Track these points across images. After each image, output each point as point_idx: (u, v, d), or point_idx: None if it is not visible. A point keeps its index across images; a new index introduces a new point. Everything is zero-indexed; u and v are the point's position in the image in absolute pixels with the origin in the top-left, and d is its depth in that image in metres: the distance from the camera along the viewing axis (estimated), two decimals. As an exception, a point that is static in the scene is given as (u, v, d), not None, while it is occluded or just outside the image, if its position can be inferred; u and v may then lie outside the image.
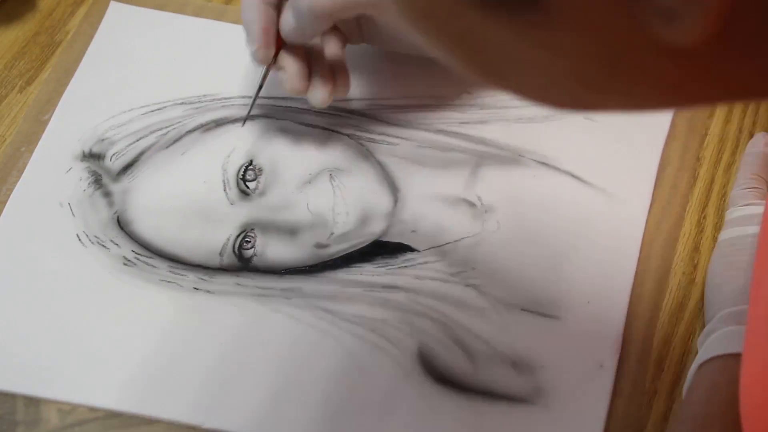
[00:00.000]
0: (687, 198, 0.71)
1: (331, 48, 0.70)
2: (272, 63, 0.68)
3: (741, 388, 0.47)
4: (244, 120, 0.71)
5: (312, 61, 0.68)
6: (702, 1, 0.26)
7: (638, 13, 0.27)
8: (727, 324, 0.60)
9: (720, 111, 0.75)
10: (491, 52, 0.31)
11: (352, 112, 0.75)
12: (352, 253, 0.69)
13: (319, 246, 0.69)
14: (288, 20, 0.65)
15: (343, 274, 0.68)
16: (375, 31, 0.72)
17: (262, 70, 0.70)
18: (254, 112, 0.75)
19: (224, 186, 0.72)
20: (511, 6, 0.28)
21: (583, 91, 0.32)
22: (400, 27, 0.34)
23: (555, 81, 0.32)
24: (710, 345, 0.59)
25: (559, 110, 0.34)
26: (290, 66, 0.67)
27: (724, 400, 0.56)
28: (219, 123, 0.75)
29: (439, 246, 0.69)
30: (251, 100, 0.71)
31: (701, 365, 0.59)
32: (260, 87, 0.70)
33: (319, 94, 0.68)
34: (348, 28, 0.71)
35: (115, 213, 0.71)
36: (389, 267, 0.68)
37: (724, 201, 0.70)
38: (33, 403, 0.64)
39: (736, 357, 0.57)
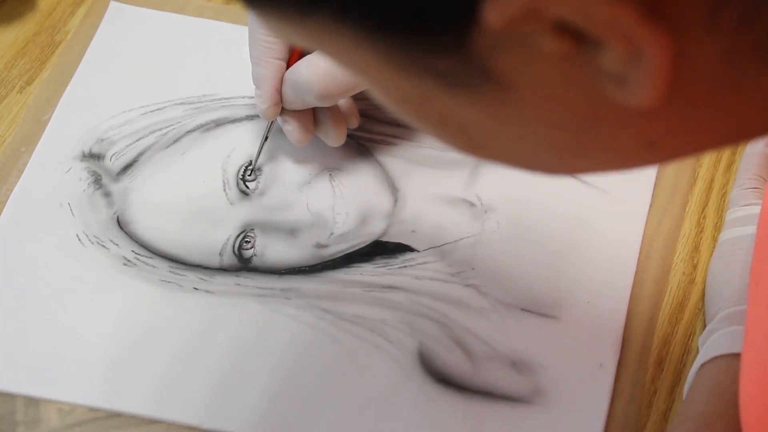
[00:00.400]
0: (687, 198, 0.71)
1: None
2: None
3: (741, 387, 0.48)
4: (254, 165, 0.72)
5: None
6: (645, 62, 0.26)
7: (593, 80, 0.28)
8: (728, 324, 0.60)
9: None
10: (471, 130, 0.32)
11: (352, 112, 0.75)
12: (352, 253, 0.69)
13: (319, 246, 0.69)
14: (289, 96, 0.67)
15: (342, 274, 0.68)
16: None
17: (266, 123, 0.71)
18: (254, 111, 0.75)
19: (224, 186, 0.72)
20: (472, 86, 0.29)
21: (562, 157, 0.33)
22: None
23: (536, 150, 0.33)
24: (711, 345, 0.59)
25: (552, 176, 0.35)
26: (293, 121, 0.69)
27: (726, 399, 0.56)
28: (219, 123, 0.75)
29: (439, 246, 0.69)
30: (258, 147, 0.72)
31: (702, 365, 0.59)
32: (265, 138, 0.71)
33: (332, 136, 0.70)
34: None
35: (114, 213, 0.71)
36: (389, 267, 0.68)
37: (724, 201, 0.70)
38: (33, 403, 0.64)
39: (737, 357, 0.57)
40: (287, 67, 0.68)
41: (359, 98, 0.75)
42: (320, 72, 0.65)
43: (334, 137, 0.70)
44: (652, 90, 0.27)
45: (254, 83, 0.68)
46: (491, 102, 0.30)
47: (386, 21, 0.28)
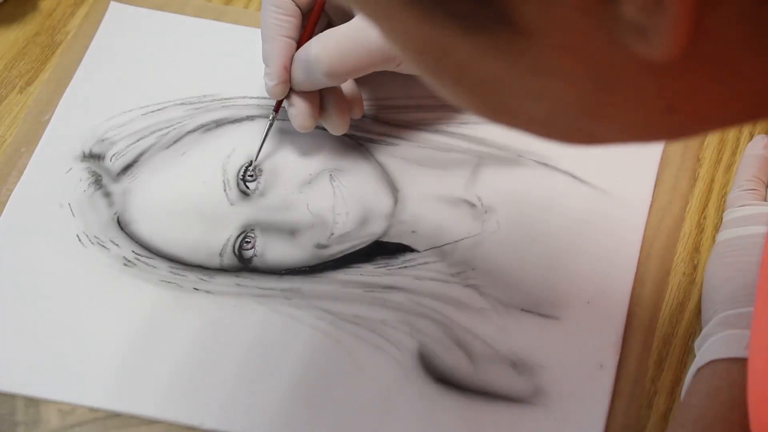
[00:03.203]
0: (687, 198, 0.71)
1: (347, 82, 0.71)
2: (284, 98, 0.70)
3: (749, 388, 0.47)
4: (253, 164, 0.72)
5: (323, 91, 0.69)
6: (667, 11, 0.26)
7: (613, 31, 0.27)
8: (724, 327, 0.60)
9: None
10: (489, 85, 0.32)
11: (352, 113, 0.75)
12: (352, 253, 0.69)
13: (319, 246, 0.69)
14: (299, 74, 0.67)
15: (343, 275, 0.68)
16: None
17: (269, 117, 0.71)
18: (254, 112, 0.75)
19: (224, 186, 0.72)
20: (492, 31, 0.29)
21: (579, 119, 0.32)
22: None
23: (553, 110, 0.32)
24: (708, 349, 0.59)
25: (569, 144, 0.34)
26: (299, 105, 0.69)
27: (724, 404, 0.56)
28: (219, 123, 0.75)
29: (439, 246, 0.69)
30: (258, 146, 0.72)
31: (699, 369, 0.59)
32: (266, 133, 0.72)
33: (336, 124, 0.70)
34: None
35: (115, 213, 0.71)
36: (389, 267, 0.68)
37: (724, 201, 0.70)
38: (33, 403, 0.64)
39: (734, 361, 0.57)
40: (297, 48, 0.68)
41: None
42: (330, 49, 0.65)
43: (337, 125, 0.70)
44: (673, 40, 0.27)
45: (264, 61, 0.68)
46: (510, 50, 0.29)
47: None
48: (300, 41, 0.68)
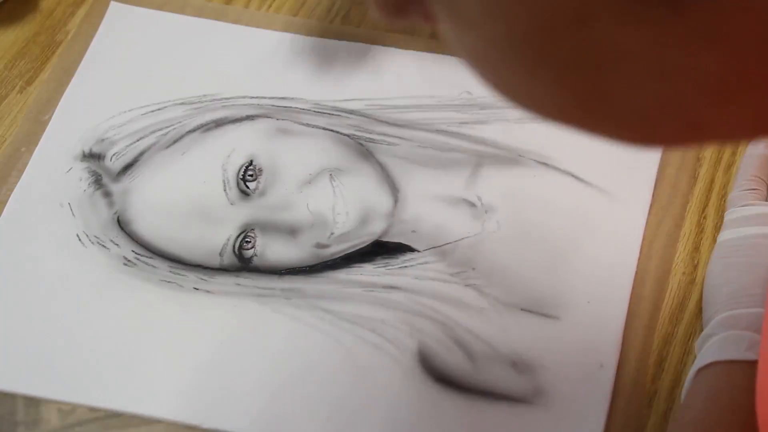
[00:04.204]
0: (687, 198, 0.71)
1: None
2: None
3: (758, 391, 0.47)
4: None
5: None
6: None
7: None
8: (725, 328, 0.60)
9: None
10: (609, 68, 0.27)
11: (352, 112, 0.75)
12: (352, 253, 0.69)
13: (319, 246, 0.69)
14: None
15: (343, 275, 0.68)
16: None
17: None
18: (254, 111, 0.75)
19: (224, 186, 0.72)
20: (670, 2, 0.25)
21: (706, 103, 0.28)
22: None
23: (679, 94, 0.28)
24: (708, 350, 0.59)
25: (662, 144, 0.31)
26: None
27: (725, 405, 0.56)
28: (219, 123, 0.75)
29: (439, 246, 0.69)
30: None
31: (699, 370, 0.59)
32: None
33: None
34: None
35: (115, 213, 0.71)
36: (389, 267, 0.68)
37: (725, 201, 0.70)
38: (33, 403, 0.64)
39: (734, 363, 0.57)
40: None
41: (359, 98, 0.75)
42: None
43: None
44: None
45: None
46: (668, 16, 0.25)
47: None
48: None
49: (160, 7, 0.81)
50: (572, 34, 0.27)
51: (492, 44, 0.28)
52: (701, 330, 0.63)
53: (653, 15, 0.25)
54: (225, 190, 0.71)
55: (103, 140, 0.74)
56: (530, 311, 0.66)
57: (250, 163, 0.72)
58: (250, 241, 0.69)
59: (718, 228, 0.69)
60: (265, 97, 0.75)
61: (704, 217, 0.70)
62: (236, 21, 0.80)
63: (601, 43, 0.27)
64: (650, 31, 0.26)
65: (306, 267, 0.68)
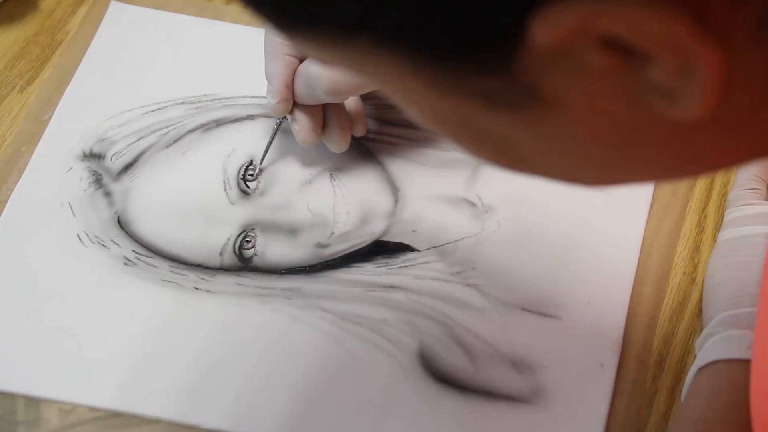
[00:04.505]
0: (687, 198, 0.71)
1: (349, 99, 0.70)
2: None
3: (752, 390, 0.47)
4: (258, 165, 0.72)
5: (327, 107, 0.69)
6: (696, 75, 0.26)
7: (639, 94, 0.28)
8: (725, 327, 0.60)
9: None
10: (511, 147, 0.32)
11: (352, 112, 0.75)
12: (352, 252, 0.69)
13: (320, 246, 0.69)
14: (301, 89, 0.67)
15: (343, 274, 0.68)
16: None
17: (274, 122, 0.71)
18: (254, 111, 0.75)
19: (224, 186, 0.72)
20: (517, 105, 0.29)
21: (604, 171, 0.33)
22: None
23: (576, 166, 0.33)
24: (709, 349, 0.59)
25: (591, 188, 0.35)
26: (302, 120, 0.69)
27: (725, 404, 0.56)
28: (219, 123, 0.75)
29: (440, 246, 0.69)
30: (264, 148, 0.72)
31: (700, 369, 0.59)
32: (272, 138, 0.71)
33: (337, 142, 0.70)
34: None
35: (115, 213, 0.71)
36: (389, 267, 0.68)
37: (725, 201, 0.70)
38: (33, 403, 0.64)
39: (734, 362, 0.57)
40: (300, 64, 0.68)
41: (362, 98, 0.75)
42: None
43: (338, 143, 0.70)
44: (702, 103, 0.27)
45: (266, 78, 0.68)
46: (535, 120, 0.30)
47: (431, 46, 0.28)
48: (303, 57, 0.68)
49: (160, 7, 0.81)
50: (464, 127, 0.32)
51: (422, 121, 0.34)
52: (701, 329, 0.63)
53: (525, 118, 0.30)
54: (225, 190, 0.71)
55: (103, 140, 0.74)
56: (531, 311, 0.66)
57: (251, 162, 0.72)
58: (250, 241, 0.69)
59: (718, 228, 0.69)
60: (265, 97, 0.75)
61: (704, 217, 0.70)
62: (236, 21, 0.80)
63: (490, 133, 0.32)
64: (526, 128, 0.31)
65: (306, 267, 0.68)
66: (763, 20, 0.26)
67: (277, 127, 0.71)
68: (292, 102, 0.68)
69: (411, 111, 0.33)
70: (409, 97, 0.32)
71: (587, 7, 0.25)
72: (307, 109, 0.68)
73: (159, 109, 0.75)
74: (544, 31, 0.26)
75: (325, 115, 0.69)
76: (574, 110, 0.29)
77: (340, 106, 0.69)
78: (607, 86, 0.28)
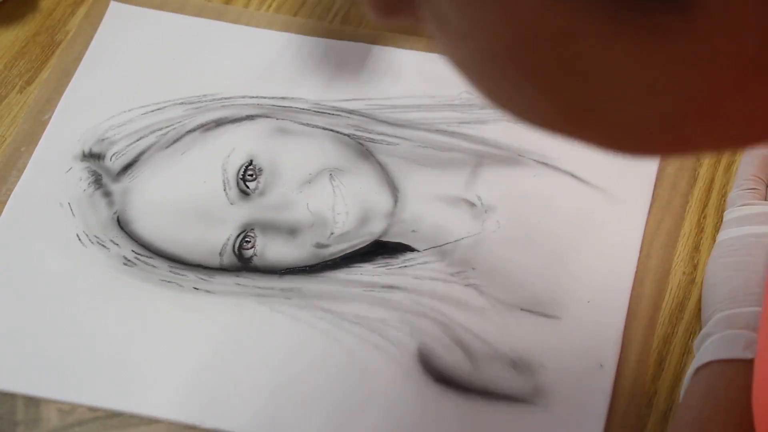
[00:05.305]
0: (687, 198, 0.71)
1: None
2: None
3: (754, 391, 0.47)
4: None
5: None
6: None
7: None
8: (724, 327, 0.60)
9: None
10: (595, 80, 0.27)
11: (352, 112, 0.75)
12: (352, 253, 0.69)
13: (319, 246, 0.69)
14: None
15: (343, 274, 0.68)
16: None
17: None
18: (254, 111, 0.75)
19: (224, 186, 0.72)
20: (648, 13, 0.25)
21: (694, 119, 0.28)
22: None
23: (667, 109, 0.28)
24: (707, 349, 0.59)
25: (650, 155, 0.31)
26: None
27: (723, 405, 0.56)
28: (219, 123, 0.75)
29: (439, 246, 0.69)
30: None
31: (698, 369, 0.59)
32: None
33: None
34: None
35: (115, 213, 0.71)
36: (389, 267, 0.68)
37: (724, 201, 0.70)
38: (33, 403, 0.64)
39: (732, 362, 0.57)
40: None
41: (359, 98, 0.75)
42: None
43: None
44: None
45: None
46: (658, 34, 0.25)
47: None
48: None
49: (160, 7, 0.81)
50: (557, 50, 0.26)
51: (477, 54, 0.28)
52: (701, 329, 0.63)
53: (637, 38, 0.25)
54: (225, 190, 0.71)
55: (103, 140, 0.74)
56: (530, 311, 0.66)
57: (250, 162, 0.72)
58: (250, 241, 0.69)
59: (718, 228, 0.69)
60: (265, 97, 0.75)
61: (704, 217, 0.70)
62: (236, 21, 0.80)
63: (585, 61, 0.26)
64: (634, 53, 0.26)
65: (306, 267, 0.68)
66: None
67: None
68: None
69: (488, 26, 0.27)
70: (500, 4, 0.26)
71: None
72: None
73: (159, 109, 0.75)
74: None
75: None
76: (713, 24, 0.25)
77: None
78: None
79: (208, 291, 0.68)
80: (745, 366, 0.55)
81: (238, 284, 0.68)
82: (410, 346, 0.65)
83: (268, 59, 0.78)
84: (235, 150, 0.73)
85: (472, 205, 0.71)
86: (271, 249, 0.69)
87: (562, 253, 0.69)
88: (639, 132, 0.29)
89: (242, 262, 0.69)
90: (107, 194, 0.71)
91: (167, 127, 0.75)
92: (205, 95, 0.76)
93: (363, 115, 0.73)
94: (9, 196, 0.71)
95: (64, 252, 0.69)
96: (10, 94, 0.77)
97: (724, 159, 0.72)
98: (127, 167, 0.73)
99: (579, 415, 0.63)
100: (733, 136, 0.30)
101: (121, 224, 0.70)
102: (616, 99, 0.27)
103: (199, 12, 0.81)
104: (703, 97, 0.27)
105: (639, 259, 0.68)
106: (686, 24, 0.25)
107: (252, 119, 0.75)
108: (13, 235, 0.70)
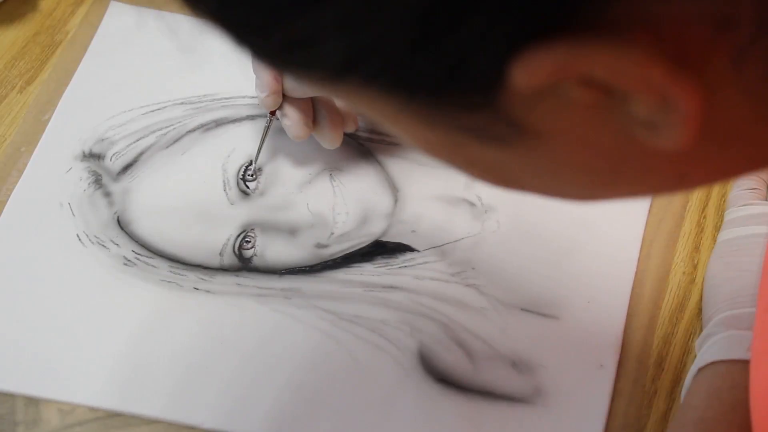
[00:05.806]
0: (687, 198, 0.71)
1: None
2: (277, 109, 0.69)
3: (751, 392, 0.47)
4: (254, 165, 0.72)
5: (317, 104, 0.69)
6: (675, 111, 0.27)
7: (624, 125, 0.28)
8: (725, 328, 0.60)
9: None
10: (502, 170, 0.34)
11: (352, 112, 0.75)
12: (352, 253, 0.69)
13: (319, 246, 0.69)
14: (290, 81, 0.67)
15: (343, 274, 0.68)
16: None
17: (266, 120, 0.71)
18: (254, 111, 0.75)
19: (224, 186, 0.72)
20: (503, 138, 0.30)
21: (593, 191, 0.34)
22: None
23: (565, 187, 0.34)
24: (709, 350, 0.59)
25: (583, 204, 0.37)
26: (292, 115, 0.68)
27: (725, 405, 0.56)
28: (219, 123, 0.75)
29: (439, 246, 0.69)
30: (257, 146, 0.72)
31: (699, 370, 0.59)
32: (264, 136, 0.71)
33: (327, 138, 0.70)
34: None
35: (115, 213, 0.71)
36: (389, 267, 0.68)
37: (724, 201, 0.70)
38: (33, 403, 0.64)
39: (734, 362, 0.57)
40: None
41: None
42: None
43: (330, 138, 0.70)
44: (684, 135, 0.28)
45: (254, 72, 0.68)
46: (523, 150, 0.31)
47: (415, 86, 0.29)
48: None
49: (160, 7, 0.81)
50: (454, 153, 0.33)
51: (414, 148, 0.35)
52: (701, 330, 0.63)
53: (512, 149, 0.31)
54: (225, 190, 0.71)
55: (103, 140, 0.74)
56: (530, 311, 0.66)
57: (250, 163, 0.72)
58: (250, 241, 0.69)
59: (718, 228, 0.69)
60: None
61: (704, 217, 0.70)
62: (236, 21, 0.80)
63: (480, 159, 0.33)
64: (514, 157, 0.32)
65: (306, 267, 0.68)
66: (741, 51, 0.27)
67: (268, 125, 0.71)
68: (281, 95, 0.68)
69: (403, 139, 0.34)
70: (399, 128, 0.33)
71: (564, 52, 0.26)
72: (297, 102, 0.68)
73: (159, 109, 0.75)
74: (524, 75, 0.27)
75: (315, 111, 0.69)
76: (560, 141, 0.30)
77: (330, 102, 0.69)
78: (592, 118, 0.29)
79: (208, 291, 0.68)
80: (747, 367, 0.55)
81: (238, 284, 0.68)
82: (410, 346, 0.65)
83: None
84: (236, 150, 0.73)
85: (472, 205, 0.71)
86: (271, 249, 0.69)
87: (562, 253, 0.69)
88: (561, 195, 0.36)
89: (242, 262, 0.69)
90: (107, 194, 0.71)
91: (167, 127, 0.75)
92: (205, 95, 0.76)
93: (357, 129, 0.73)
94: (9, 196, 0.71)
95: (64, 252, 0.69)
96: (10, 94, 0.77)
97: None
98: (127, 167, 0.73)
99: (579, 415, 0.63)
100: (641, 192, 0.35)
101: (121, 224, 0.70)
102: (525, 179, 0.34)
103: (199, 12, 0.81)
104: (584, 181, 0.33)
105: (639, 259, 0.68)
106: (534, 142, 0.30)
107: (252, 119, 0.75)
108: (13, 235, 0.70)
